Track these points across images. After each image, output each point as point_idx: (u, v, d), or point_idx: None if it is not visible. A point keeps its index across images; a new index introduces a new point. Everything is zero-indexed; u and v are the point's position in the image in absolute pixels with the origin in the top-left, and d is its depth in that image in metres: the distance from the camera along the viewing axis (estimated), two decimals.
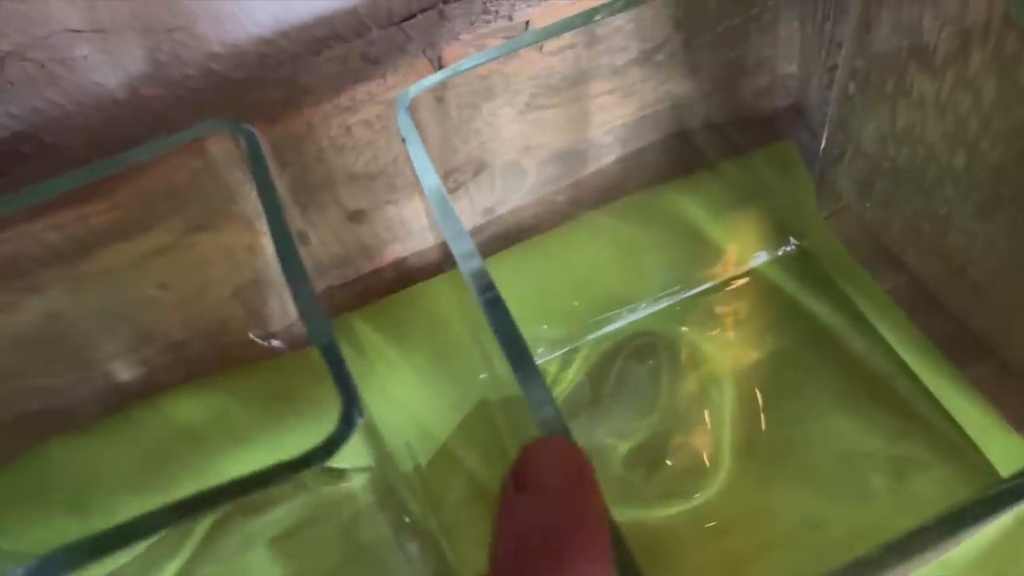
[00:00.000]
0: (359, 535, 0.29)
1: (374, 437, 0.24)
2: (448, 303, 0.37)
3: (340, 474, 0.28)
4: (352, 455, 0.25)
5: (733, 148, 0.40)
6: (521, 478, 0.18)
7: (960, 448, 0.32)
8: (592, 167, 0.40)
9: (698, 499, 0.32)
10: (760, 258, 0.38)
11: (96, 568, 0.30)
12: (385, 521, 0.29)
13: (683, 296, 0.37)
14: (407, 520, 0.29)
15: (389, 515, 0.29)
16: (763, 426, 0.33)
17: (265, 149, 0.32)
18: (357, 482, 0.27)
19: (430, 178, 0.23)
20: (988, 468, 0.31)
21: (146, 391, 0.37)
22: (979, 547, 0.30)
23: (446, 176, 0.35)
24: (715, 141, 0.40)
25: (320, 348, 0.19)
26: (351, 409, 0.18)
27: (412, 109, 0.27)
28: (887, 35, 0.31)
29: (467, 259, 0.22)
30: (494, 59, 0.27)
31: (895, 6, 0.30)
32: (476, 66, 0.26)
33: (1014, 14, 0.26)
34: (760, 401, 0.34)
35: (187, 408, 0.36)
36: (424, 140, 0.32)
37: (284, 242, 0.21)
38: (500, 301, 0.21)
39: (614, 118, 0.38)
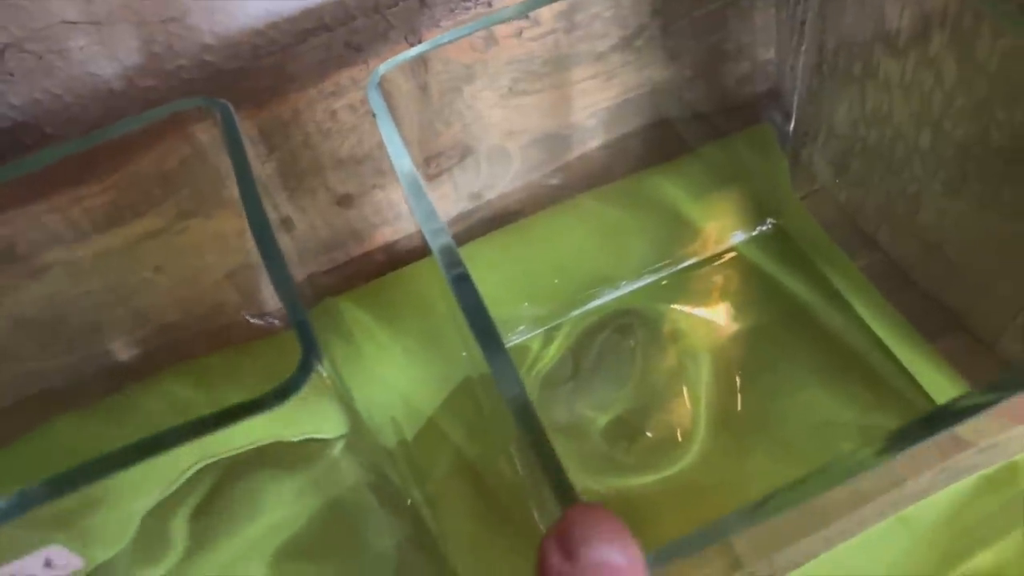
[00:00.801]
0: (343, 501, 0.31)
1: (352, 410, 0.25)
2: (434, 284, 0.39)
3: (327, 443, 0.29)
4: (335, 425, 0.26)
5: (714, 132, 0.41)
6: (567, 546, 0.18)
7: None
8: (577, 151, 0.41)
9: (675, 469, 0.33)
10: (738, 237, 0.39)
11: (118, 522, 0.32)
12: (367, 487, 0.30)
13: (663, 274, 0.38)
14: (388, 489, 0.30)
15: (370, 482, 0.30)
16: (739, 399, 0.34)
17: (253, 134, 0.34)
18: (341, 452, 0.29)
19: (400, 154, 0.24)
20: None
21: (145, 371, 0.38)
22: (944, 506, 0.31)
23: (430, 160, 0.36)
24: (696, 125, 0.41)
25: (280, 294, 0.20)
26: (309, 355, 0.19)
27: (391, 92, 0.28)
28: (853, 20, 0.32)
29: (436, 236, 0.23)
30: (466, 35, 0.28)
31: None
32: (449, 41, 0.27)
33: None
34: (737, 375, 0.35)
35: (185, 387, 0.37)
36: (406, 123, 0.33)
37: (255, 210, 0.22)
38: (467, 278, 0.22)
39: (597, 102, 0.39)
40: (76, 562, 0.23)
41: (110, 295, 0.35)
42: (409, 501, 0.31)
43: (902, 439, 0.20)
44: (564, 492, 0.20)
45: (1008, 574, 0.30)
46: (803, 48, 0.36)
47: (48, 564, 0.23)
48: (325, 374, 0.20)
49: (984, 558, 0.31)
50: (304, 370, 0.19)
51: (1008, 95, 0.27)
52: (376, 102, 0.25)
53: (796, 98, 0.37)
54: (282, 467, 0.32)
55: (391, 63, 0.26)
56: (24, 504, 0.20)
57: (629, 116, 0.40)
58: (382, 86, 0.26)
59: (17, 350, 0.35)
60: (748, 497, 0.32)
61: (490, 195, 0.41)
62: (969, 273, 0.34)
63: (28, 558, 0.22)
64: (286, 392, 0.19)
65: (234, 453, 0.24)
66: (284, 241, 0.30)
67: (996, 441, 0.29)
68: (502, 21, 0.29)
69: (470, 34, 0.28)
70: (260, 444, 0.21)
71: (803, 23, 0.36)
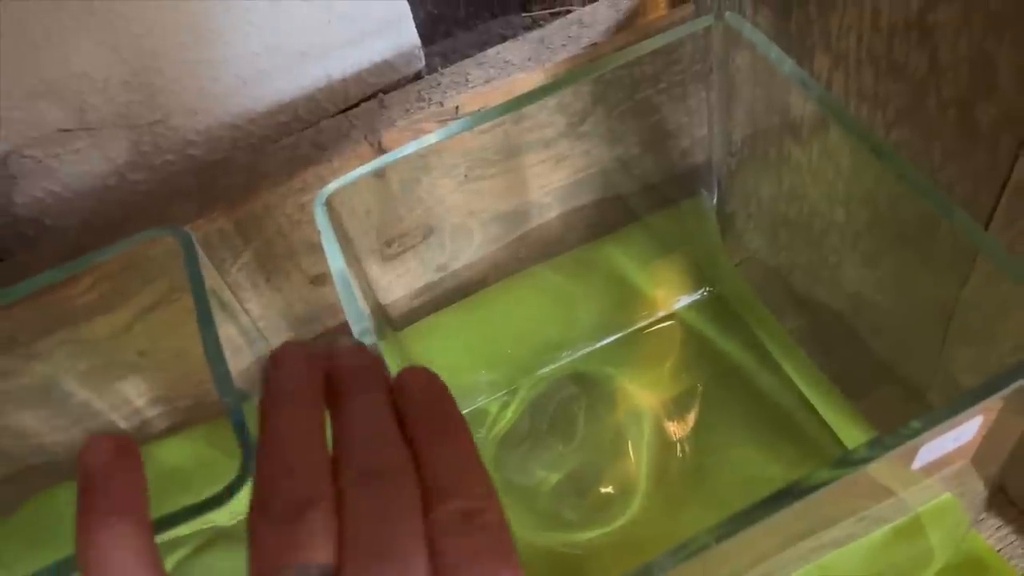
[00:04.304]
0: None
1: None
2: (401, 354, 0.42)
3: None
4: None
5: (660, 201, 0.44)
6: None
7: None
8: (535, 223, 0.45)
9: (618, 523, 0.36)
10: (680, 303, 0.42)
11: None
12: None
13: (611, 339, 0.41)
14: None
15: None
16: (678, 456, 0.37)
17: (229, 229, 0.37)
18: None
19: (338, 265, 0.27)
20: None
21: (139, 440, 0.41)
22: (859, 555, 0.33)
23: (393, 241, 0.40)
24: (643, 197, 0.44)
25: (226, 409, 0.24)
26: (248, 463, 0.23)
27: (349, 192, 0.31)
28: (761, 109, 0.35)
29: (362, 336, 0.26)
30: (414, 152, 0.31)
31: (766, 84, 0.34)
32: (396, 160, 0.31)
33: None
34: (676, 433, 0.38)
35: (177, 456, 0.41)
36: (367, 212, 0.36)
37: (207, 325, 0.26)
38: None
39: (550, 182, 0.42)
40: None
41: (104, 374, 0.38)
42: None
43: (808, 485, 0.22)
44: None
45: None
46: (716, 131, 0.39)
47: None
48: None
49: None
50: (245, 473, 0.23)
51: (891, 189, 0.30)
52: (322, 221, 0.28)
53: (716, 175, 0.40)
54: (234, 543, 0.35)
55: (335, 185, 0.29)
56: None
57: (582, 192, 0.44)
58: (332, 201, 0.29)
59: (20, 425, 0.39)
60: None
61: (455, 265, 0.44)
62: (893, 336, 0.37)
63: None
64: (228, 496, 0.22)
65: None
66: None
67: (905, 494, 0.32)
68: (450, 136, 0.31)
69: (418, 150, 0.31)
70: (217, 525, 0.24)
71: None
